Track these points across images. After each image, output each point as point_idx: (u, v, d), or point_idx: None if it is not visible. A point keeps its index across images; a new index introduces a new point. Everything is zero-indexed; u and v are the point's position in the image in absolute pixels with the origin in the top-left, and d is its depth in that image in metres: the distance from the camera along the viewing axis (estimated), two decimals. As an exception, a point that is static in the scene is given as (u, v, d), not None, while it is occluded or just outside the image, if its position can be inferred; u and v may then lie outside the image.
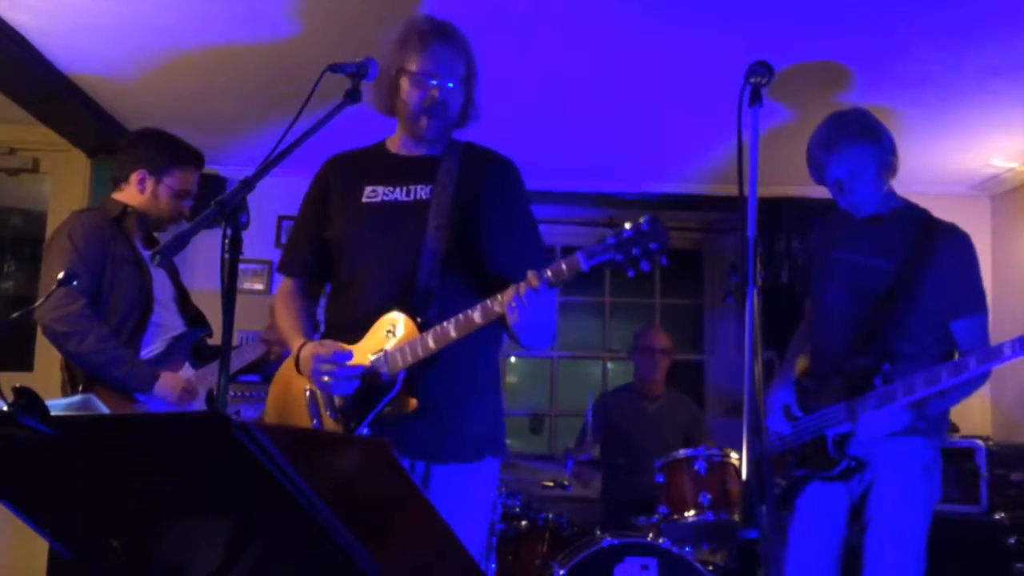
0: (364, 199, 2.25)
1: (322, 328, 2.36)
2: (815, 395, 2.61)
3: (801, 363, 2.77)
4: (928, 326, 2.54)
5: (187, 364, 2.98)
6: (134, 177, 2.99)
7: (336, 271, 2.31)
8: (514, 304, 1.96)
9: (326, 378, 2.11)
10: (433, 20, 2.22)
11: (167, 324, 2.98)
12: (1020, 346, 2.24)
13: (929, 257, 2.53)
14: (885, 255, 2.57)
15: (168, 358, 2.93)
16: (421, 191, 2.24)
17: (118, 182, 3.03)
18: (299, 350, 2.19)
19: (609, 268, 1.97)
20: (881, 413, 2.42)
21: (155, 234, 3.15)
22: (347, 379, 2.12)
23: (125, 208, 2.97)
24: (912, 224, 2.61)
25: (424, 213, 2.20)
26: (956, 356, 2.56)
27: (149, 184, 2.99)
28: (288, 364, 2.31)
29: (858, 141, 2.56)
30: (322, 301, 2.42)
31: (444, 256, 2.18)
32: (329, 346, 2.14)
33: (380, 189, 2.26)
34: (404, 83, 2.21)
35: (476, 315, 2.05)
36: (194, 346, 3.05)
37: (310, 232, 2.34)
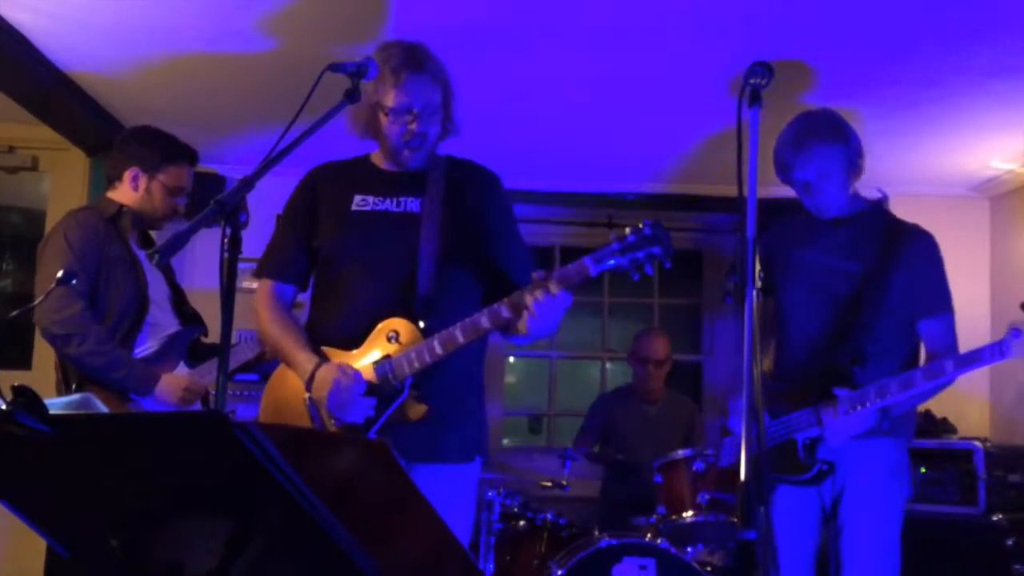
0: (354, 207, 2.28)
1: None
2: (782, 397, 2.59)
3: (764, 364, 2.76)
4: (895, 326, 2.54)
5: (182, 364, 2.98)
6: (127, 175, 2.98)
7: (325, 277, 2.32)
8: (534, 311, 2.01)
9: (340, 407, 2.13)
10: (406, 51, 2.21)
11: (162, 323, 2.98)
12: (999, 351, 2.24)
13: (895, 259, 2.53)
14: (852, 257, 2.57)
15: (163, 357, 2.93)
16: (410, 203, 2.28)
17: (112, 181, 3.03)
18: (315, 370, 2.17)
19: (615, 272, 2.02)
20: (851, 417, 2.40)
21: (151, 233, 3.15)
22: (362, 408, 2.15)
23: (120, 208, 2.96)
24: (877, 226, 2.61)
25: (414, 224, 2.25)
26: (923, 355, 2.59)
27: (142, 182, 2.98)
28: (281, 374, 2.30)
29: (827, 141, 2.55)
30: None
31: (440, 265, 2.22)
32: (350, 375, 2.13)
33: (370, 199, 2.29)
34: (382, 118, 2.23)
35: (484, 320, 2.10)
36: (189, 346, 3.04)
37: (298, 238, 2.34)
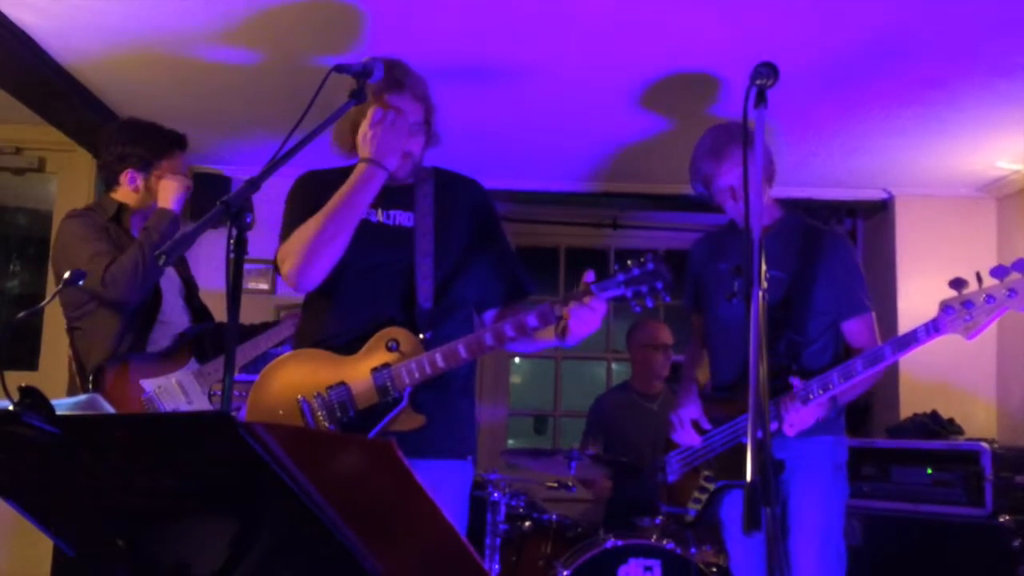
0: None
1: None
2: (723, 405, 2.65)
3: (700, 376, 2.83)
4: (822, 327, 2.62)
5: (193, 360, 2.98)
6: (124, 179, 2.98)
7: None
8: (531, 337, 2.15)
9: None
10: (387, 71, 2.23)
11: (173, 321, 2.99)
12: (933, 328, 2.29)
13: (816, 263, 2.62)
14: (775, 264, 2.60)
15: (173, 354, 2.93)
16: (400, 217, 2.32)
17: (110, 184, 3.03)
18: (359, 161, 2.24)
19: (616, 302, 2.11)
20: (806, 407, 2.43)
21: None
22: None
23: (120, 206, 2.97)
24: (796, 231, 2.69)
25: (407, 238, 2.28)
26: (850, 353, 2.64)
27: (140, 182, 2.98)
28: (270, 373, 2.28)
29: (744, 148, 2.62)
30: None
31: (437, 278, 2.26)
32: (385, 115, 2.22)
33: None
34: None
35: (488, 338, 2.15)
36: (198, 341, 3.04)
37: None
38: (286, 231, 2.36)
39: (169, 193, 2.93)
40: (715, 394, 2.72)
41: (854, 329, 2.63)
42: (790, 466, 2.54)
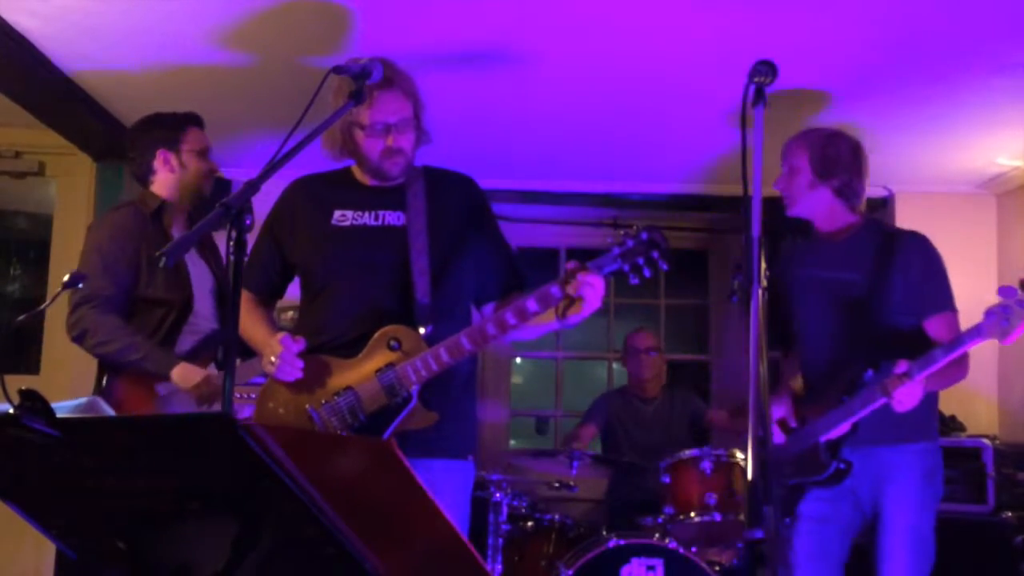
0: (333, 222, 2.32)
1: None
2: (810, 406, 2.70)
3: (796, 383, 2.89)
4: (904, 328, 2.64)
5: (212, 365, 2.96)
6: (158, 162, 2.97)
7: (310, 291, 2.35)
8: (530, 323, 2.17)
9: (274, 358, 2.17)
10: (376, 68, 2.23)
11: (200, 324, 2.95)
12: (976, 333, 2.31)
13: (894, 264, 2.65)
14: (852, 267, 2.68)
15: (196, 356, 2.91)
16: (389, 216, 2.32)
17: (146, 176, 3.00)
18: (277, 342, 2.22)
19: (615, 277, 2.11)
20: (906, 389, 2.41)
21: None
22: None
23: (162, 203, 2.95)
24: (873, 234, 2.74)
25: (397, 237, 2.28)
26: None
27: (174, 159, 2.98)
28: (273, 385, 2.27)
29: (797, 139, 2.78)
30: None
31: (433, 275, 2.25)
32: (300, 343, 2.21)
33: (349, 213, 2.32)
34: (359, 136, 2.27)
35: (490, 327, 2.15)
36: (224, 347, 3.01)
37: (272, 254, 2.40)
38: (257, 245, 2.40)
39: (184, 383, 2.76)
40: (803, 396, 2.79)
41: (935, 327, 2.62)
42: (882, 473, 2.61)
